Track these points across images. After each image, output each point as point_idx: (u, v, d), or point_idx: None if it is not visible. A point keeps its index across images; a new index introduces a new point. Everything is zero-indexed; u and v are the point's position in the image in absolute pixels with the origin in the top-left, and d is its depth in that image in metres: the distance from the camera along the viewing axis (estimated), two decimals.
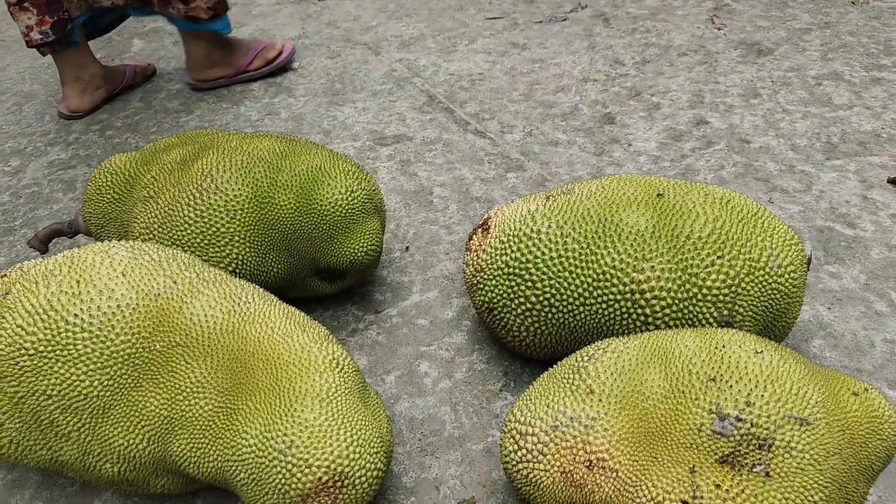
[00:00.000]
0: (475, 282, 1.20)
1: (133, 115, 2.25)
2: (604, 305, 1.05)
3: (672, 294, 1.01)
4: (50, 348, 0.90)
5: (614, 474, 0.86)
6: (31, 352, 0.90)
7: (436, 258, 1.51)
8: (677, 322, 1.03)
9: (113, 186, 1.31)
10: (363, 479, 0.90)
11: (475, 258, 1.21)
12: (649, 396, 0.88)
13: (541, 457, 0.90)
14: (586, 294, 1.06)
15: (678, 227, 1.03)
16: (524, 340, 1.16)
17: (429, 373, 1.25)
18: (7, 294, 0.97)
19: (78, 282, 0.94)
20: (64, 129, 2.20)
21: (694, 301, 1.01)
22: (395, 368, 1.26)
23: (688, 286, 1.01)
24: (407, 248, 1.54)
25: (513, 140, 1.93)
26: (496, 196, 1.68)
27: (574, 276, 1.06)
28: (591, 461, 0.87)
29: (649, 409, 0.87)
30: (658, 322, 1.03)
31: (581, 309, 1.07)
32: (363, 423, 0.93)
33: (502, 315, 1.15)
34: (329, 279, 1.31)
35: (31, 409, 0.91)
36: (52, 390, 0.90)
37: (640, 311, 1.03)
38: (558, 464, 0.89)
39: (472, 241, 1.27)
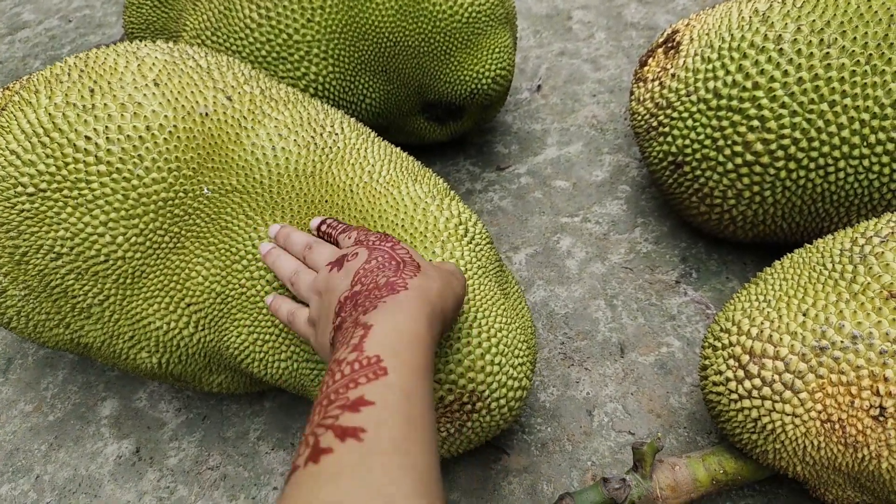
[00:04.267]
0: (654, 124, 0.82)
1: None
2: (885, 159, 0.67)
3: None
4: (55, 186, 0.61)
5: None
6: (31, 190, 0.62)
7: (578, 101, 1.12)
8: None
9: None
10: (502, 401, 0.60)
11: (655, 89, 0.83)
12: None
13: (788, 394, 0.56)
14: (856, 140, 0.67)
15: None
16: (728, 212, 0.79)
17: (572, 252, 0.91)
18: (4, 109, 0.69)
19: (92, 91, 0.64)
20: None
21: None
22: (526, 244, 0.93)
23: None
24: (538, 87, 1.16)
25: None
26: (660, 22, 1.24)
27: (839, 109, 0.66)
28: (883, 409, 0.53)
29: None
30: None
31: (842, 164, 0.68)
32: (504, 319, 0.61)
33: (699, 172, 0.77)
34: (439, 118, 0.97)
35: (37, 272, 0.64)
36: (62, 246, 0.62)
37: None
38: (820, 407, 0.55)
39: (646, 68, 0.88)
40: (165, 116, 0.63)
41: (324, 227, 0.60)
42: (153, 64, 0.67)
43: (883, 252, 0.56)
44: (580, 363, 0.79)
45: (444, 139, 1.02)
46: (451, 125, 0.98)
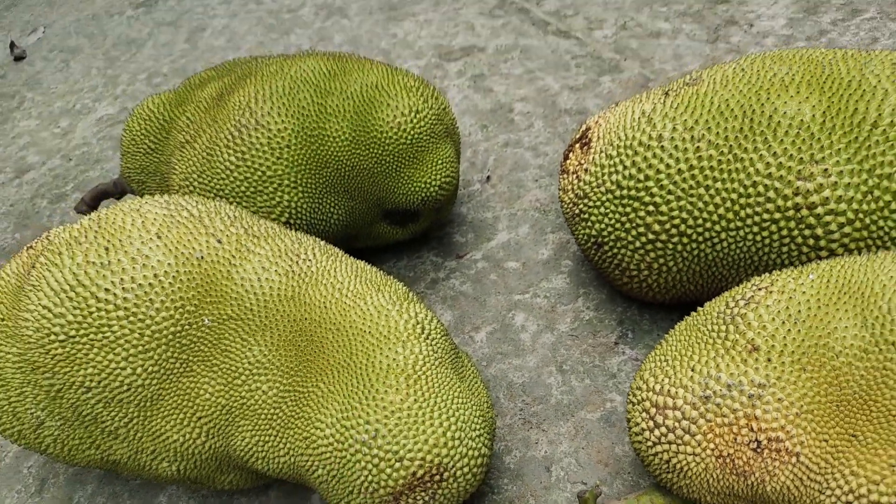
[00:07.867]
0: (577, 211, 0.97)
1: (179, 58, 2.09)
2: (755, 229, 0.81)
3: (855, 206, 0.75)
4: (82, 332, 0.75)
5: (794, 459, 0.65)
6: (62, 337, 0.76)
7: (523, 187, 1.28)
8: (862, 245, 0.77)
9: (147, 135, 1.15)
10: (465, 469, 0.72)
11: (575, 181, 0.98)
12: (841, 352, 0.65)
13: (687, 437, 0.69)
14: (730, 215, 0.82)
15: (859, 111, 0.76)
16: (644, 281, 0.93)
17: (526, 326, 1.05)
18: (32, 269, 0.83)
19: (107, 249, 0.79)
20: (110, 82, 2.07)
21: (885, 213, 0.75)
22: (486, 323, 1.07)
23: (876, 193, 0.75)
24: (488, 178, 1.32)
25: (603, 37, 1.63)
26: (589, 106, 1.41)
27: (713, 192, 0.82)
28: (759, 442, 0.66)
29: (842, 370, 0.64)
30: (835, 246, 0.78)
31: (723, 236, 0.83)
32: (460, 400, 0.74)
33: (615, 251, 0.92)
34: (399, 222, 1.12)
35: (70, 404, 0.78)
36: (91, 381, 0.76)
37: (808, 232, 0.78)
38: (712, 446, 0.68)
39: (568, 161, 1.03)
40: (169, 264, 0.78)
41: None
42: (154, 219, 0.83)
43: (746, 313, 0.70)
44: (538, 425, 0.92)
45: (407, 238, 1.17)
46: (410, 226, 1.13)
